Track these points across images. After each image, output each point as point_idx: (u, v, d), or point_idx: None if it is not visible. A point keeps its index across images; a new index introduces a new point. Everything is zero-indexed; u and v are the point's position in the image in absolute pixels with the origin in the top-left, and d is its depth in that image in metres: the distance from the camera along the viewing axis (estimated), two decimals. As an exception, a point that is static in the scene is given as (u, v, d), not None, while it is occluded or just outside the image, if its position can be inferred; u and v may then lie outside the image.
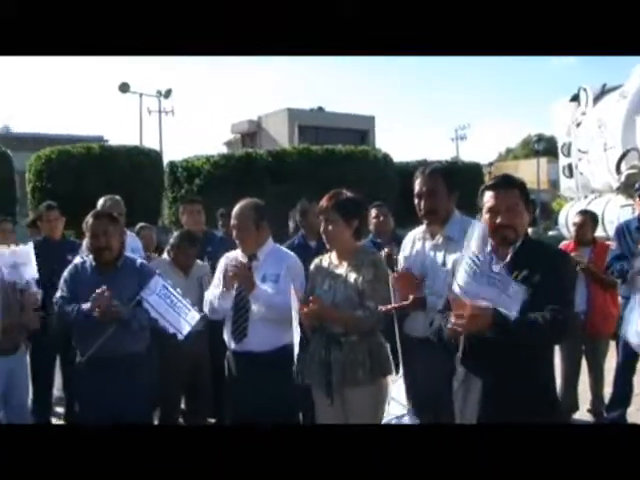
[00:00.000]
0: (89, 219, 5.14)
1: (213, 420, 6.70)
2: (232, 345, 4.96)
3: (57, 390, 7.15)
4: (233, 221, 4.98)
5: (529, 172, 39.28)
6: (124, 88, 37.19)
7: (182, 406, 6.52)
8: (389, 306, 4.35)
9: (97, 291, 4.78)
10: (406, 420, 3.92)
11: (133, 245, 6.83)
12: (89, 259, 5.20)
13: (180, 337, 4.89)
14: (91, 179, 17.15)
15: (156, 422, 6.08)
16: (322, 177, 16.67)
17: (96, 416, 4.95)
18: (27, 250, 5.19)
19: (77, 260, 5.31)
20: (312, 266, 4.81)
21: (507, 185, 3.65)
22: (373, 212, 7.28)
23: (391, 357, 4.64)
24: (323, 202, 4.63)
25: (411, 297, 4.33)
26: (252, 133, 41.61)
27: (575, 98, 15.68)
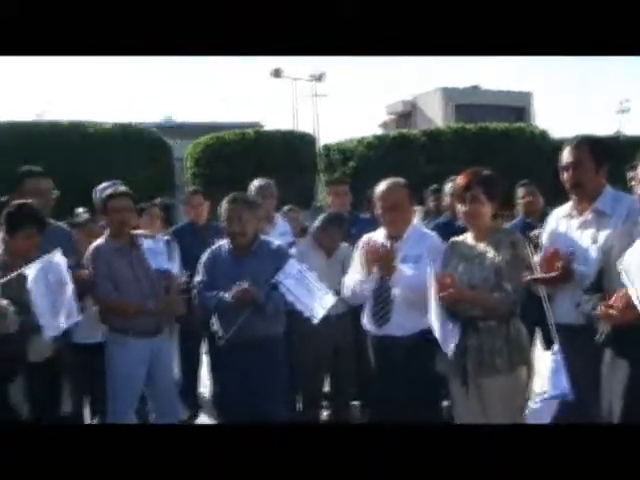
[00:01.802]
0: (224, 204, 5.20)
1: (356, 403, 6.67)
2: (371, 329, 4.87)
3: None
4: (385, 202, 4.81)
5: (701, 145, 36.99)
6: (277, 73, 37.66)
7: (326, 389, 6.52)
8: (536, 275, 4.12)
9: (236, 285, 4.87)
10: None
11: (282, 229, 6.86)
12: (226, 243, 5.27)
13: (315, 321, 4.88)
14: (247, 164, 17.46)
15: (299, 405, 6.13)
16: (477, 156, 16.30)
17: (235, 398, 5.05)
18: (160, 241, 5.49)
19: (215, 244, 5.38)
20: (447, 247, 4.61)
21: None
22: (520, 192, 6.97)
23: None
24: (461, 180, 4.43)
25: (558, 265, 4.08)
26: (407, 113, 41.30)
27: None
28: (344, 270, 5.35)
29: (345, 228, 6.22)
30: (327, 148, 21.69)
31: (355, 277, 4.93)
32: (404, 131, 22.34)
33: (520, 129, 21.34)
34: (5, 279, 4.09)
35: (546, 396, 3.66)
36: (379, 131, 33.05)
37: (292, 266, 4.92)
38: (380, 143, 20.45)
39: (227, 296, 4.94)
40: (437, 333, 4.19)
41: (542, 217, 6.12)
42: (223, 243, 5.30)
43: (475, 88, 40.81)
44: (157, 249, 5.45)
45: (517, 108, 38.76)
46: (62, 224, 5.74)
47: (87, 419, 5.82)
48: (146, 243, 5.41)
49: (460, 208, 4.42)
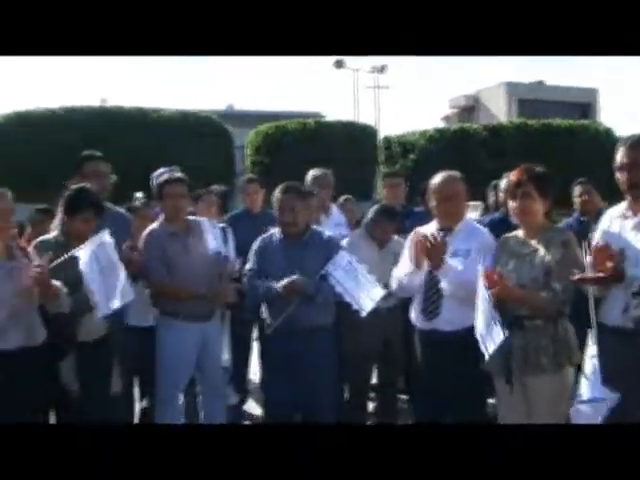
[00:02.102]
0: (277, 193, 5.21)
1: (404, 397, 6.68)
2: (419, 323, 4.86)
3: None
4: (440, 193, 4.79)
5: None
6: (339, 64, 37.54)
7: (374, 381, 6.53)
8: (586, 275, 3.96)
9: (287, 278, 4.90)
10: (604, 406, 3.62)
11: (337, 219, 6.87)
12: (277, 232, 5.28)
13: (363, 314, 4.86)
14: (307, 154, 17.43)
15: (346, 395, 6.16)
16: (538, 152, 16.04)
17: (282, 386, 5.08)
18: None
19: (267, 233, 5.41)
20: (498, 244, 4.57)
21: None
22: (577, 190, 6.89)
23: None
24: (514, 176, 4.38)
25: (609, 265, 3.90)
26: (470, 107, 40.89)
27: None
28: (396, 263, 5.30)
29: (398, 221, 6.19)
30: (388, 140, 21.55)
31: (404, 269, 4.91)
32: (465, 125, 22.08)
33: (584, 126, 20.92)
34: (57, 261, 4.18)
35: (581, 399, 3.63)
36: (441, 125, 32.80)
37: (342, 257, 4.92)
38: (441, 136, 20.25)
39: (276, 287, 4.95)
40: (479, 332, 4.14)
41: (598, 216, 6.01)
42: (275, 231, 5.31)
43: (540, 83, 40.17)
44: (214, 232, 5.53)
45: (582, 104, 38.09)
46: (121, 209, 5.83)
47: (136, 400, 5.94)
48: (203, 225, 5.49)
49: (511, 204, 4.37)
